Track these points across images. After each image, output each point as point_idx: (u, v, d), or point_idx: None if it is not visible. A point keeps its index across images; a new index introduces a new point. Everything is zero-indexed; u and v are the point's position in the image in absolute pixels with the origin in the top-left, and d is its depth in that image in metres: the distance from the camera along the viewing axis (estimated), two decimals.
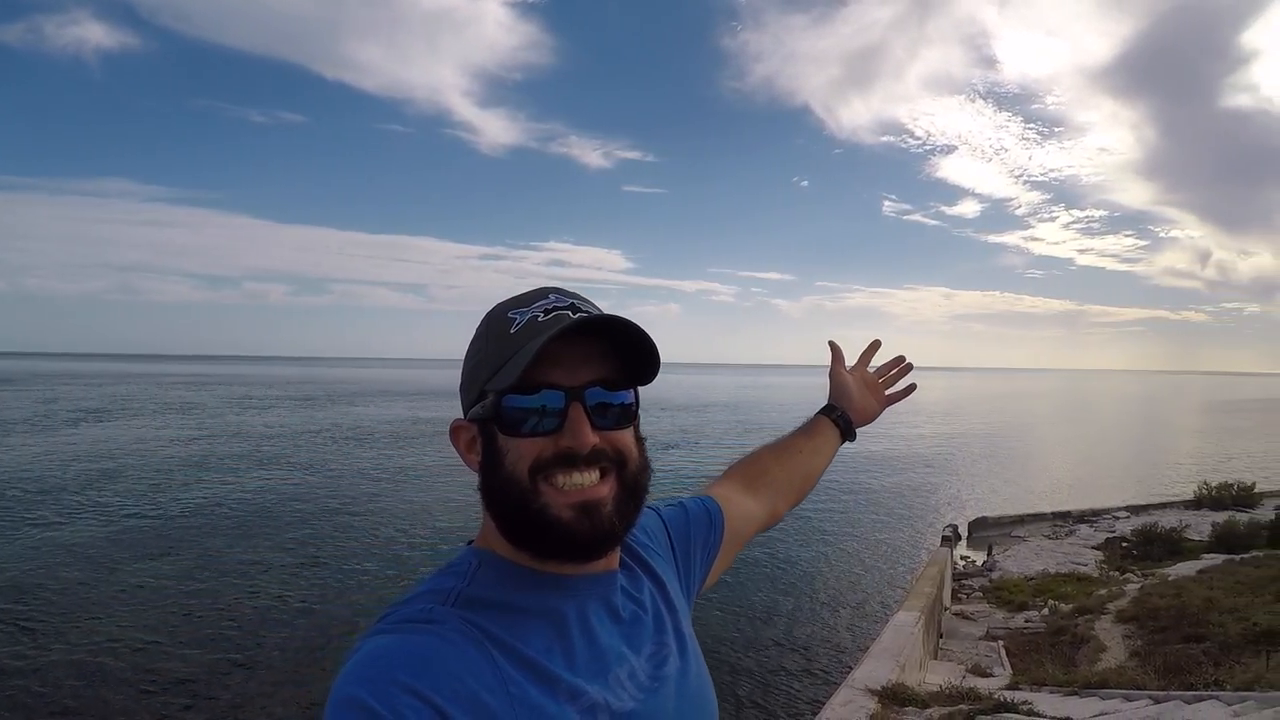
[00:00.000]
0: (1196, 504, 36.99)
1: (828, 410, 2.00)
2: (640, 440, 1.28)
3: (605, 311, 1.20)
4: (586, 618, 1.21)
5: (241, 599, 20.73)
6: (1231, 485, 37.74)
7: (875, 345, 2.13)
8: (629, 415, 1.23)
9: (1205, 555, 24.95)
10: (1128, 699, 9.59)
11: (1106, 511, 36.91)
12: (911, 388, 2.18)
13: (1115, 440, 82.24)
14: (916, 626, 12.56)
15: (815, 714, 8.93)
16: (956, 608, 20.79)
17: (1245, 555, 23.27)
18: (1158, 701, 9.16)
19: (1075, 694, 10.40)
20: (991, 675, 13.35)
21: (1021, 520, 35.43)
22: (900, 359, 2.18)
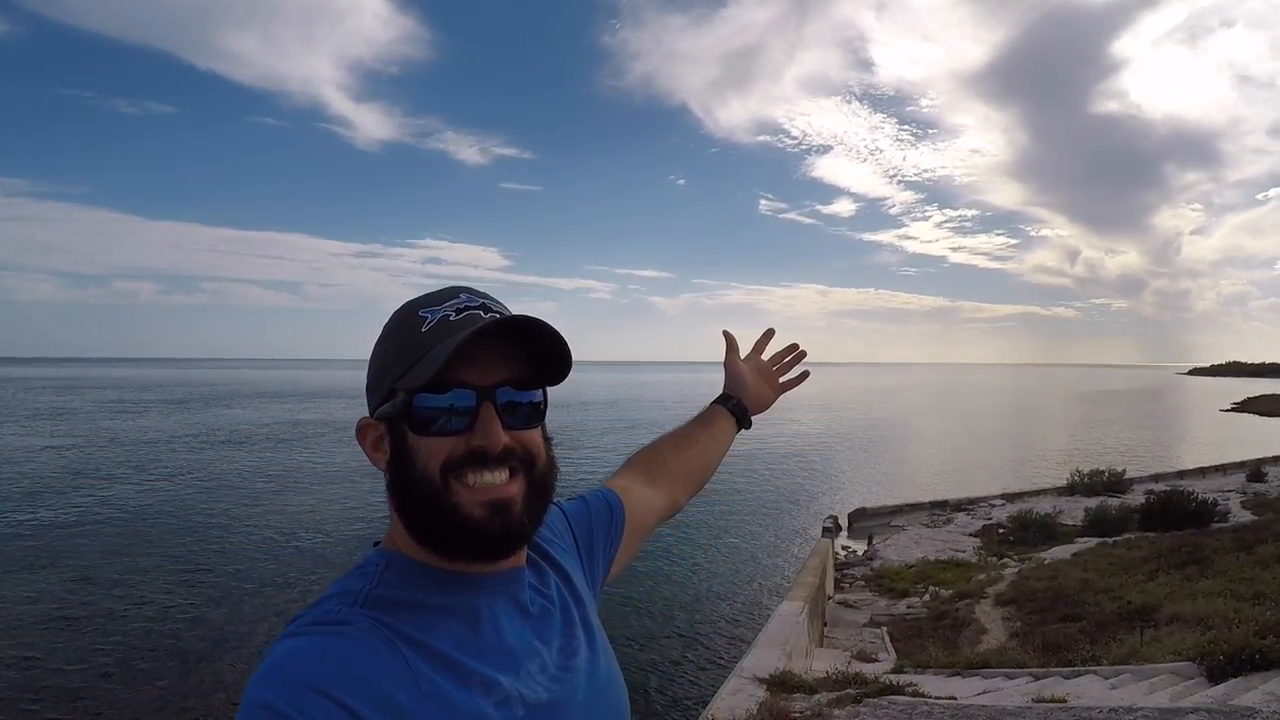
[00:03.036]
0: (1070, 490, 38.78)
1: (723, 399, 2.05)
2: (548, 440, 1.30)
3: (515, 312, 1.23)
4: (496, 614, 1.22)
5: (125, 610, 20.14)
6: (1103, 472, 39.74)
7: (769, 334, 2.20)
8: (538, 415, 1.26)
9: (1079, 539, 26.20)
10: (1009, 677, 9.93)
11: (982, 500, 38.37)
12: (805, 375, 2.26)
13: (989, 431, 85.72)
14: (801, 615, 12.76)
15: (705, 704, 8.95)
16: (839, 596, 21.25)
17: (1118, 538, 24.48)
18: (1038, 679, 9.52)
19: (959, 674, 10.74)
20: (877, 660, 13.65)
21: (900, 510, 36.61)
22: (794, 346, 2.23)
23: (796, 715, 7.80)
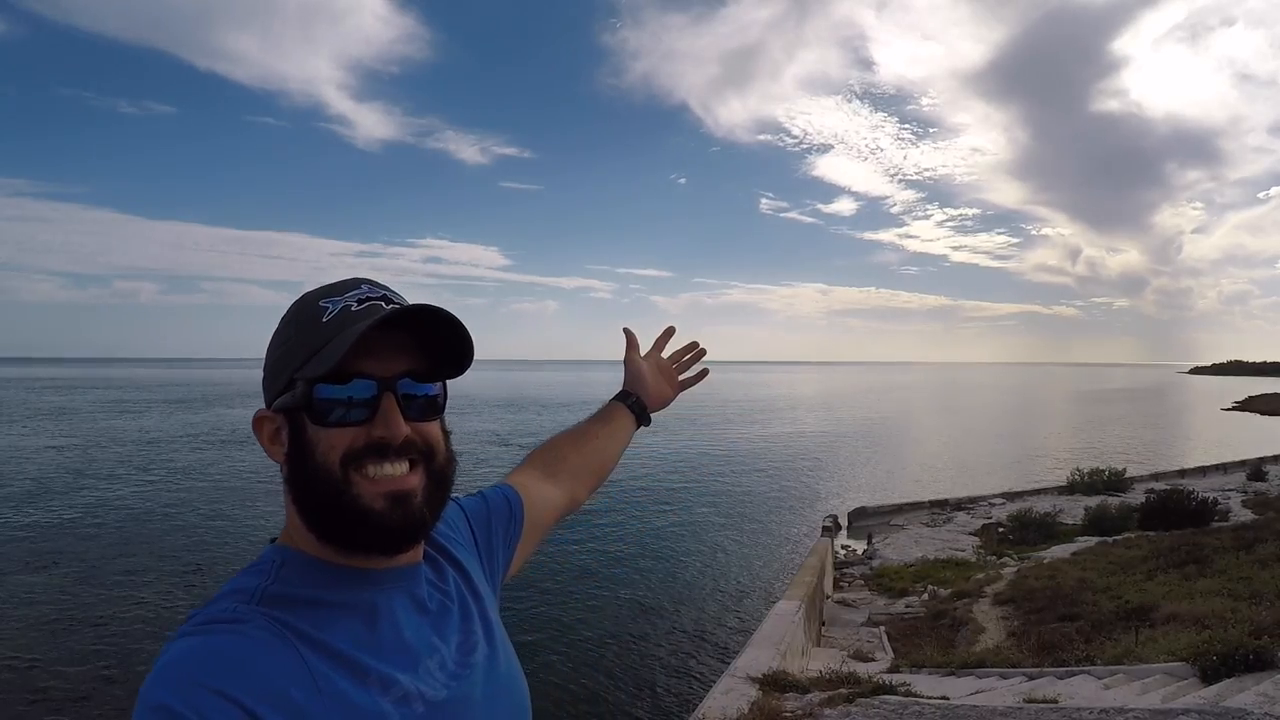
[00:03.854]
0: (1070, 489, 38.67)
1: (622, 396, 2.05)
2: (446, 433, 1.29)
3: (420, 303, 1.21)
4: (394, 610, 1.21)
5: (125, 610, 20.14)
6: (1103, 471, 39.61)
7: (669, 332, 2.19)
8: (436, 407, 1.25)
9: (1079, 538, 26.12)
10: (1003, 677, 9.86)
11: (983, 499, 38.30)
12: (704, 373, 2.25)
13: (990, 430, 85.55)
14: (798, 614, 12.70)
15: (698, 703, 8.89)
16: (838, 596, 21.19)
17: (1117, 537, 24.39)
18: (1032, 678, 9.46)
19: (953, 674, 10.68)
20: (874, 660, 13.61)
21: (900, 509, 36.49)
22: (693, 344, 2.23)
23: (787, 715, 7.74)
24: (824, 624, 17.33)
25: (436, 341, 1.23)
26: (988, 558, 25.36)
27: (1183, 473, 45.67)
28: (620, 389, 2.08)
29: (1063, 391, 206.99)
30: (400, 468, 1.17)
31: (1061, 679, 9.13)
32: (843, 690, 8.60)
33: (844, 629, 17.41)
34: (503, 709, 1.30)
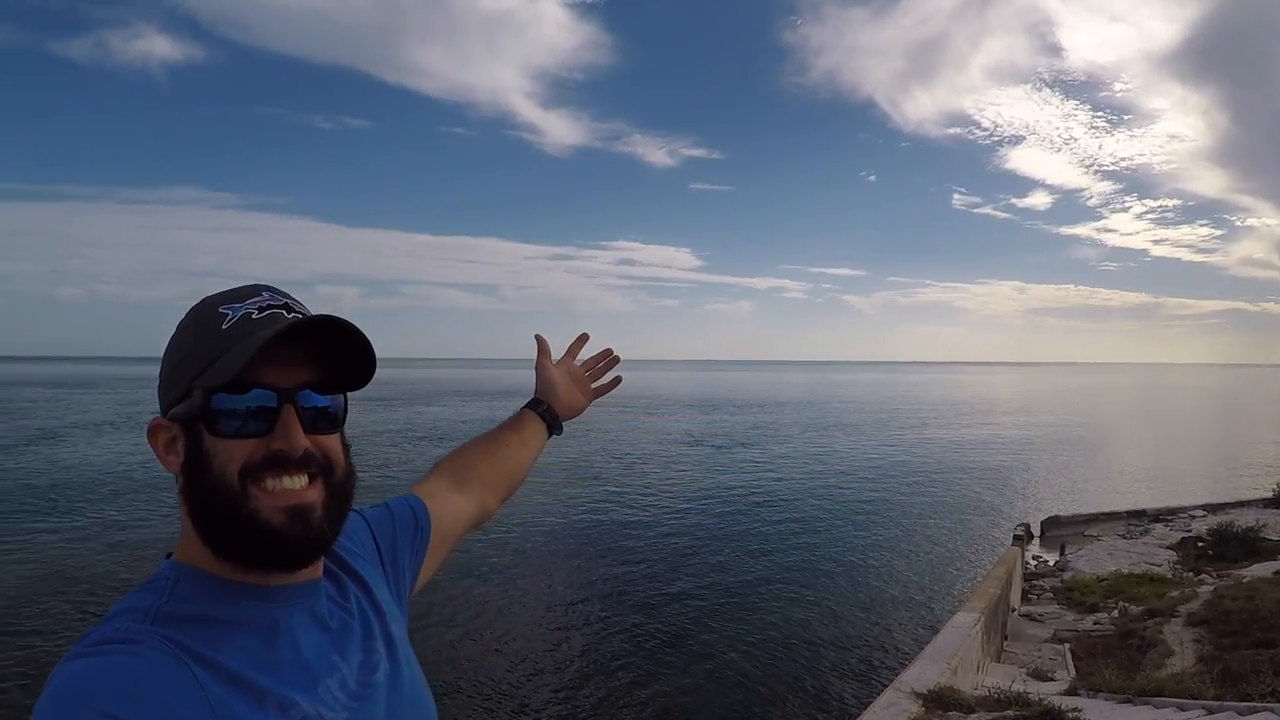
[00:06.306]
0: (1276, 502, 35.59)
1: (534, 404, 1.99)
2: (346, 446, 1.25)
3: (323, 314, 1.18)
4: (293, 628, 1.16)
5: None
6: None
7: (583, 339, 2.12)
8: (336, 420, 1.21)
9: None
10: (1180, 709, 9.28)
11: (1182, 510, 35.70)
12: (617, 380, 2.17)
13: (1193, 436, 79.24)
14: (975, 628, 12.27)
15: (853, 716, 8.81)
16: (1025, 609, 20.34)
17: None
18: (1211, 712, 8.85)
19: (1129, 701, 10.11)
20: (1053, 679, 13.03)
21: (1095, 519, 34.40)
22: (607, 352, 2.16)
23: None
24: (1006, 638, 16.71)
25: (339, 353, 1.20)
26: (1185, 574, 23.77)
27: None
28: (532, 396, 2.01)
29: (1271, 394, 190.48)
30: (299, 481, 1.13)
31: (1243, 715, 8.50)
32: (1009, 712, 8.37)
33: (1027, 644, 16.71)
34: None
